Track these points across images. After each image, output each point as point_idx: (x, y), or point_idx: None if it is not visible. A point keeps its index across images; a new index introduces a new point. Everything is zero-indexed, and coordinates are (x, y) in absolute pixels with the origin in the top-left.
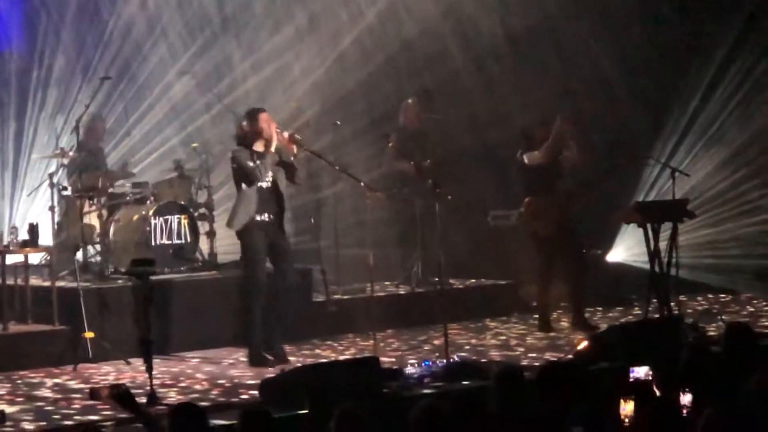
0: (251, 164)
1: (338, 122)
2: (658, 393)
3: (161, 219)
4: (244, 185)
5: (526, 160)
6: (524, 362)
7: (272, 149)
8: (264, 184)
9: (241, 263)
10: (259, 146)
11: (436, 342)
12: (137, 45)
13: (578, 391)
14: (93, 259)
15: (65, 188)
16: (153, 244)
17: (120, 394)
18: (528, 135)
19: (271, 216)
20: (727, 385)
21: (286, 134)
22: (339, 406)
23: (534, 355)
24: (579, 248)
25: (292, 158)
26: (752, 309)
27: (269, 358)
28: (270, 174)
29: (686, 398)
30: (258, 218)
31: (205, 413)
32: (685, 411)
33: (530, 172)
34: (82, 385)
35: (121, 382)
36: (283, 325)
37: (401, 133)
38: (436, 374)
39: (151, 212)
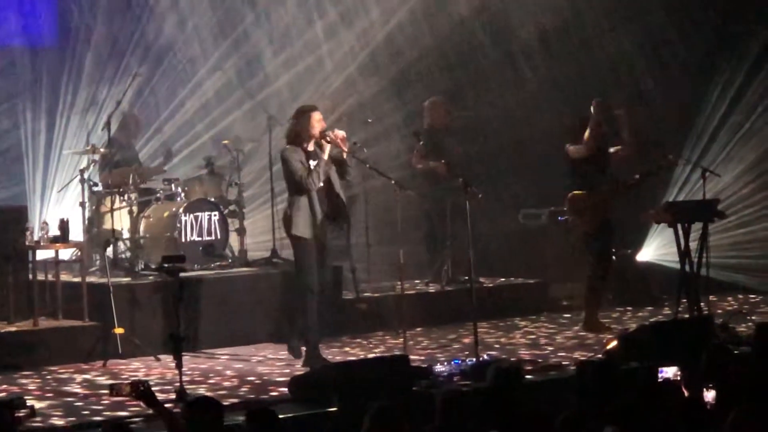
0: (300, 165)
1: (369, 119)
2: (686, 393)
3: (191, 216)
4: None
5: (569, 154)
6: (553, 361)
7: (326, 155)
8: (318, 184)
9: (295, 265)
10: (310, 146)
11: (465, 340)
12: (169, 41)
13: (612, 389)
14: (123, 255)
15: (96, 184)
16: (183, 240)
17: (141, 391)
18: (572, 128)
19: (321, 215)
20: (757, 384)
21: (338, 132)
22: (372, 403)
23: (563, 354)
24: (611, 248)
25: (344, 155)
26: None
27: (326, 359)
28: (323, 173)
29: (710, 395)
30: (310, 217)
31: (221, 408)
32: (709, 407)
33: (575, 169)
34: (111, 381)
35: (142, 378)
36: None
37: (430, 132)
38: (465, 373)
39: (181, 209)
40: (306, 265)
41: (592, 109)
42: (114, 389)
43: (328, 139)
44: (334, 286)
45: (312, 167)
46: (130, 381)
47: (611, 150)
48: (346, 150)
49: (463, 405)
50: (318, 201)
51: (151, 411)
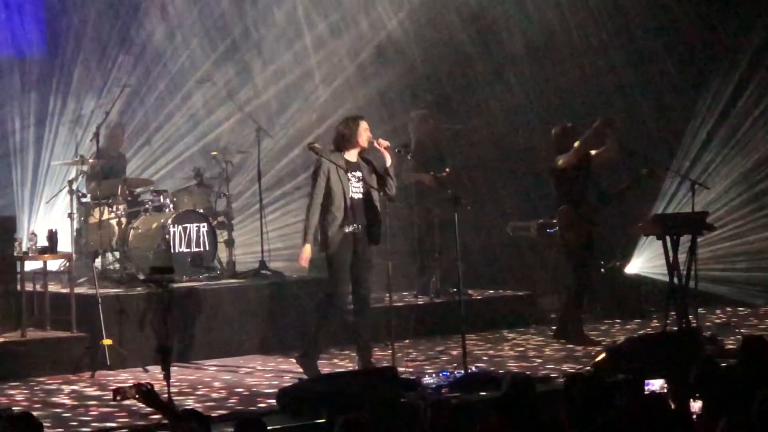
0: (323, 175)
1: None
2: (673, 405)
3: (180, 227)
4: (315, 202)
5: (559, 165)
6: (541, 373)
7: (388, 162)
8: (355, 195)
9: (326, 277)
10: (351, 155)
11: (454, 352)
12: (158, 53)
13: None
14: (112, 266)
15: (84, 195)
16: (172, 251)
17: (145, 393)
18: (558, 143)
19: (360, 227)
20: (743, 397)
21: (383, 141)
22: (342, 415)
23: (552, 366)
24: (597, 262)
25: (387, 166)
26: None
27: (318, 369)
28: (361, 184)
29: (696, 405)
30: (346, 230)
31: (208, 420)
32: (694, 416)
33: (562, 182)
34: (99, 392)
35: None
36: (364, 337)
37: (419, 144)
38: (453, 385)
39: (170, 220)
40: (333, 278)
41: (598, 122)
42: (119, 393)
43: (378, 147)
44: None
45: (344, 179)
46: (133, 383)
47: (594, 152)
48: (390, 160)
49: (451, 415)
50: (356, 212)
51: (153, 414)
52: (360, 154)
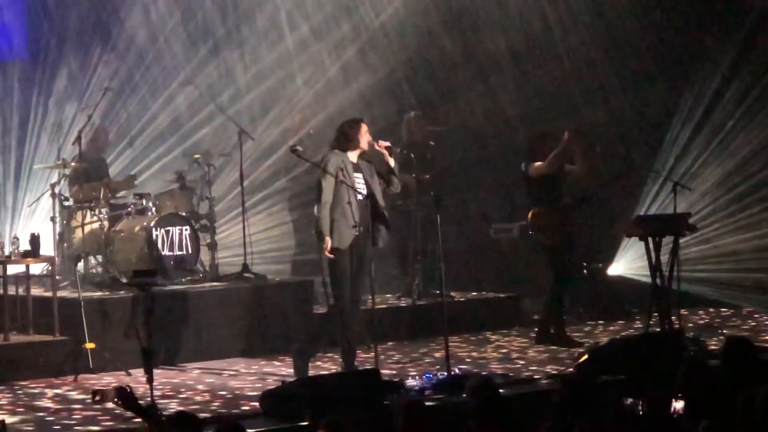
0: (330, 178)
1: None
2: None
3: (163, 230)
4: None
5: (530, 172)
6: (525, 375)
7: (392, 162)
8: (359, 196)
9: (326, 278)
10: (353, 156)
11: (437, 354)
12: (140, 55)
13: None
14: (94, 270)
15: (67, 198)
16: (154, 255)
17: (125, 396)
18: (531, 146)
19: (362, 229)
20: (726, 398)
21: (383, 142)
22: (323, 418)
23: (535, 367)
24: (575, 263)
25: (391, 166)
26: (754, 323)
27: (307, 369)
28: (364, 185)
29: (678, 405)
30: (349, 231)
31: (200, 423)
32: (675, 415)
33: (535, 184)
34: (82, 396)
35: (125, 384)
36: (350, 338)
37: (403, 146)
38: (437, 387)
39: (152, 223)
40: (334, 276)
41: (566, 135)
42: (98, 395)
43: (378, 149)
44: (304, 300)
45: (348, 178)
46: (114, 386)
47: (567, 168)
48: (392, 160)
49: (425, 417)
50: (357, 213)
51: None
52: (360, 156)
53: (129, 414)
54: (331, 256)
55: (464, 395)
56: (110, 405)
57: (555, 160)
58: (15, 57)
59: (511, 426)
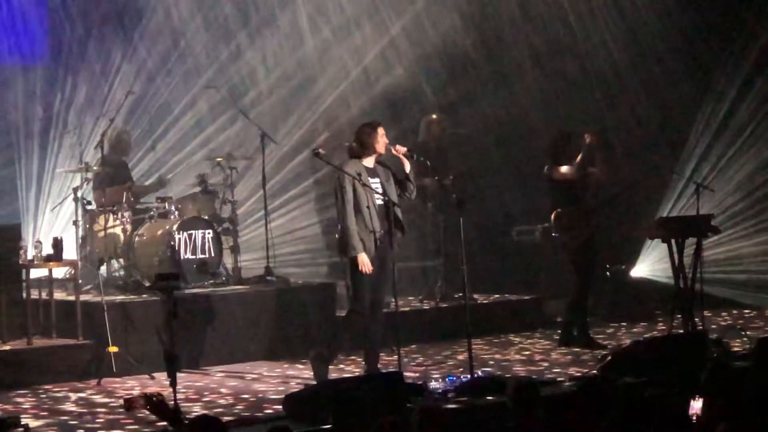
0: (349, 183)
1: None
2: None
3: (185, 234)
4: (348, 209)
5: (554, 175)
6: (548, 377)
7: (407, 168)
8: (377, 201)
9: (348, 283)
10: (369, 161)
11: (460, 357)
12: (162, 59)
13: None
14: (117, 274)
15: (89, 202)
16: (177, 258)
17: (155, 403)
18: (554, 149)
19: (382, 232)
20: (755, 399)
21: (400, 148)
22: (373, 420)
23: (558, 370)
24: (596, 265)
25: (407, 171)
26: None
27: (328, 374)
28: (380, 189)
29: (696, 405)
30: (369, 236)
31: (224, 426)
32: (694, 417)
33: (558, 186)
34: (106, 399)
35: (154, 390)
36: (373, 341)
37: (424, 148)
38: (460, 389)
39: (175, 227)
40: (355, 280)
41: (587, 138)
42: (129, 403)
43: (396, 153)
44: (328, 303)
45: (369, 183)
46: (143, 393)
47: (591, 170)
48: (409, 165)
49: (440, 421)
50: (377, 218)
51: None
52: (377, 160)
53: (153, 417)
54: (369, 270)
55: (504, 397)
56: (140, 413)
57: (582, 164)
58: (37, 61)
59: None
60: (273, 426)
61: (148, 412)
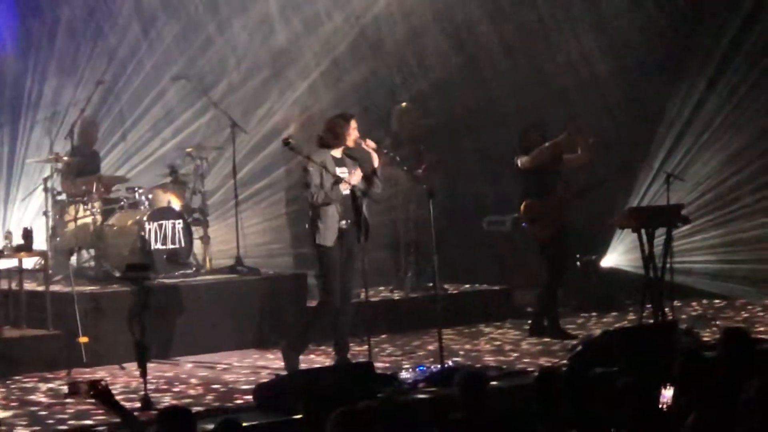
0: (318, 179)
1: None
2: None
3: (155, 224)
4: (316, 199)
5: (519, 164)
6: (518, 367)
7: (376, 163)
8: (343, 191)
9: (317, 274)
10: (337, 152)
11: (430, 347)
12: (132, 49)
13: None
14: (87, 264)
15: (60, 193)
16: (147, 249)
17: (99, 392)
18: (526, 139)
19: (349, 222)
20: (725, 389)
21: (370, 142)
22: (336, 409)
23: (528, 360)
24: (567, 255)
25: (375, 166)
26: (747, 315)
27: (298, 363)
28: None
29: (668, 393)
30: (336, 226)
31: (193, 417)
32: (665, 406)
33: (528, 176)
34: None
35: (100, 377)
36: (343, 332)
37: (395, 138)
38: (430, 379)
39: (145, 217)
40: (324, 273)
41: (566, 132)
42: (72, 388)
43: (366, 148)
44: (298, 293)
45: (338, 174)
46: (88, 380)
47: (567, 157)
48: (378, 160)
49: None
50: (346, 208)
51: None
52: (344, 152)
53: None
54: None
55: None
56: (84, 401)
57: (539, 155)
58: (6, 52)
59: (497, 419)
60: (224, 418)
61: (92, 400)
